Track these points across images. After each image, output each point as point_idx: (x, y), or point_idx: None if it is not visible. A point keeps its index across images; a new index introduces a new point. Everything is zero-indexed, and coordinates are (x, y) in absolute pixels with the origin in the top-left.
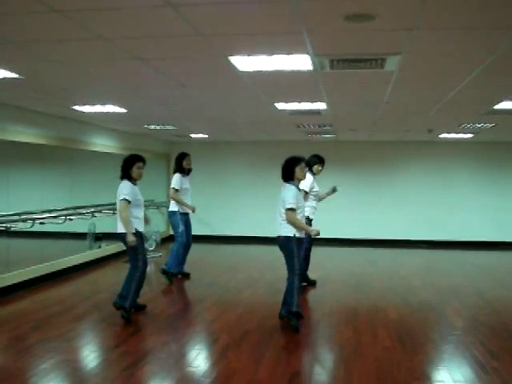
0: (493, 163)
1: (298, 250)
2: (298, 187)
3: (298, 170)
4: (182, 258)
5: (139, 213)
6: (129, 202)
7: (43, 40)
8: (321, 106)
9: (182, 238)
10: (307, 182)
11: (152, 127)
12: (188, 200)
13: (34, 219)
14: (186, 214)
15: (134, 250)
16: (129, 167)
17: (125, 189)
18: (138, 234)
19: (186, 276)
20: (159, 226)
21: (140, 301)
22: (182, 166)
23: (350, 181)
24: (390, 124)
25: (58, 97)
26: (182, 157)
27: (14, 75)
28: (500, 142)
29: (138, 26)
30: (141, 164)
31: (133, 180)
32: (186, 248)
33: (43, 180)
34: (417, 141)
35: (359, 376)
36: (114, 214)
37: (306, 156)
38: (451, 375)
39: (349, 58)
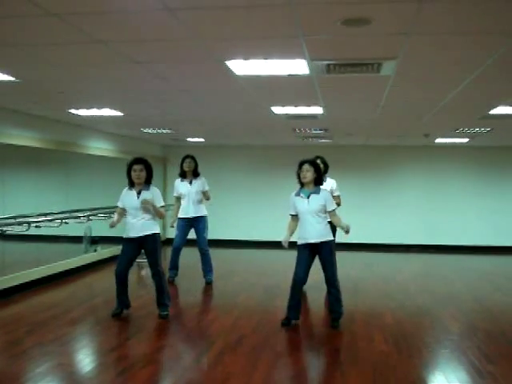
0: (489, 167)
1: (298, 255)
2: (299, 193)
3: (300, 173)
4: (173, 261)
5: (129, 219)
6: (122, 208)
7: (39, 43)
8: (317, 110)
9: (174, 242)
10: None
11: (148, 131)
12: (186, 204)
13: (29, 222)
14: (183, 219)
15: None
16: (129, 173)
17: (120, 195)
18: (128, 240)
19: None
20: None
21: (137, 304)
22: (181, 169)
23: (347, 185)
24: (386, 128)
25: (55, 100)
26: (182, 160)
27: (10, 78)
28: (496, 146)
29: (135, 29)
30: (134, 166)
31: (135, 185)
32: (176, 251)
33: (39, 183)
34: (413, 145)
35: (355, 380)
36: (111, 217)
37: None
38: (447, 379)
39: (345, 63)
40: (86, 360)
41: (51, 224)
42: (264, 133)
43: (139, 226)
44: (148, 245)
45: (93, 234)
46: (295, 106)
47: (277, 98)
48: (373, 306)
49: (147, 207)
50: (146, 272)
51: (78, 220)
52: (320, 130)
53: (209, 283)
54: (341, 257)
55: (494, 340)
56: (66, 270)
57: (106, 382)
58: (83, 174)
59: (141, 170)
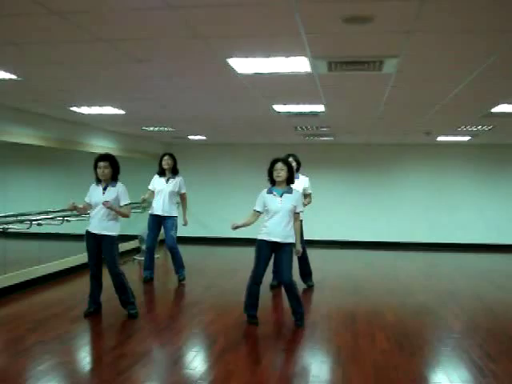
0: (491, 165)
1: (258, 251)
2: (271, 191)
3: (273, 171)
4: (147, 261)
5: (92, 213)
6: (89, 204)
7: (41, 42)
8: (319, 108)
9: (146, 242)
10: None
11: (150, 129)
12: (158, 202)
13: (31, 220)
14: (152, 216)
15: None
16: (95, 170)
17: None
18: (87, 234)
19: (150, 280)
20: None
21: (137, 303)
22: (160, 166)
23: (348, 183)
24: (387, 126)
25: (56, 98)
26: (160, 157)
27: (12, 76)
28: (498, 144)
29: (137, 27)
30: (99, 163)
31: (102, 181)
32: (149, 251)
33: (40, 181)
34: (415, 143)
35: (357, 379)
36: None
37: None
38: (449, 377)
39: (347, 61)
40: (87, 358)
41: (53, 222)
42: (265, 131)
43: (98, 223)
44: (104, 245)
45: None
46: (297, 104)
47: (278, 95)
48: (374, 304)
49: (111, 207)
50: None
51: (79, 218)
52: (322, 127)
53: (181, 280)
54: (342, 255)
55: (496, 338)
56: (68, 268)
57: (107, 381)
58: (85, 172)
59: (105, 167)
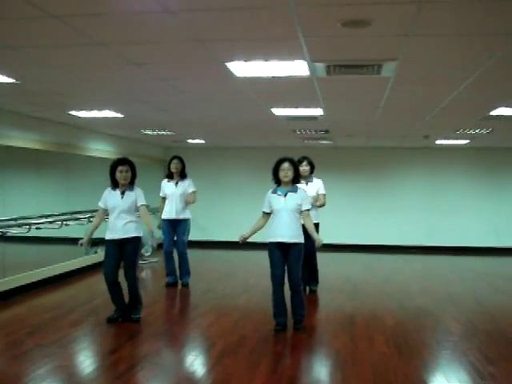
0: (489, 169)
1: (270, 255)
2: (276, 191)
3: (279, 171)
4: (168, 267)
5: (112, 219)
6: (104, 209)
7: (40, 45)
8: (317, 111)
9: (164, 247)
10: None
11: (149, 132)
12: (170, 206)
13: (30, 224)
14: (165, 221)
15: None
16: (112, 174)
17: (102, 195)
18: (109, 242)
19: (173, 285)
20: (155, 231)
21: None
22: (168, 169)
23: (347, 187)
24: (386, 130)
25: (55, 102)
26: (169, 161)
27: (10, 80)
28: (496, 147)
29: (136, 31)
30: (120, 167)
31: (119, 185)
32: (168, 256)
33: (39, 185)
34: (413, 147)
35: (356, 382)
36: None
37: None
38: (448, 380)
39: (345, 64)
40: (86, 362)
41: (52, 226)
42: (264, 134)
43: (122, 227)
44: (128, 247)
45: (93, 236)
46: (295, 108)
47: (277, 99)
48: (373, 307)
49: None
50: (146, 273)
51: (78, 222)
52: (320, 131)
53: (185, 285)
54: (341, 258)
55: (495, 341)
56: (67, 272)
57: None
58: (84, 175)
59: (127, 171)
